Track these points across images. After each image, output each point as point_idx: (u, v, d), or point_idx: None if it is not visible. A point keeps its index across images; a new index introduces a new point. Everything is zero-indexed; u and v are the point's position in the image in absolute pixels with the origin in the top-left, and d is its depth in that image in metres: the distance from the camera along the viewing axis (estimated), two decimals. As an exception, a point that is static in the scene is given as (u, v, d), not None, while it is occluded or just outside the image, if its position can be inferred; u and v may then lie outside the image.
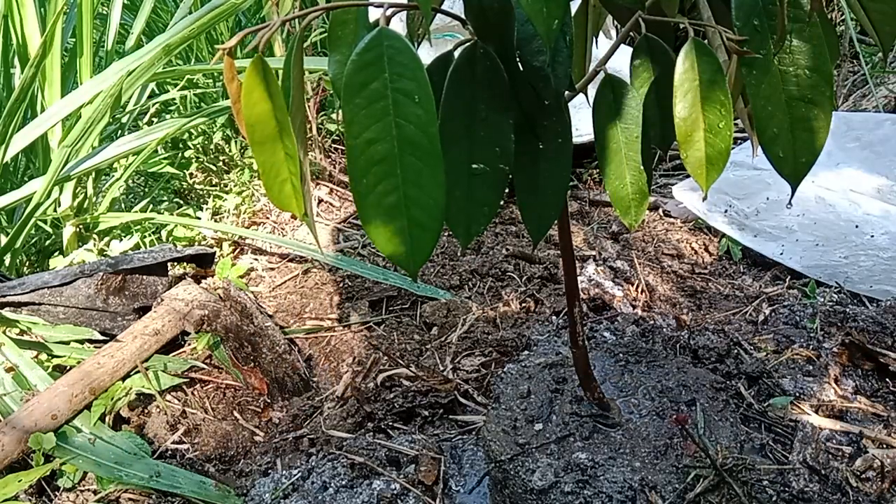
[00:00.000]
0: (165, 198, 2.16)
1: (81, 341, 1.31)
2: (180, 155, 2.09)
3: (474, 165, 0.61)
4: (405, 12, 0.69)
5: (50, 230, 1.82)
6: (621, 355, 1.04)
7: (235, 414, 1.25)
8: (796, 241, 1.58)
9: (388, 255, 0.53)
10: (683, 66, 0.58)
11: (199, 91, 2.20)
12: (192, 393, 1.25)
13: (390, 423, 1.17)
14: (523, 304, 1.48)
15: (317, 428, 1.18)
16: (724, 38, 0.57)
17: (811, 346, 1.12)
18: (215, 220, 1.87)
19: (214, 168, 2.09)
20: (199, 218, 1.85)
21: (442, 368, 1.29)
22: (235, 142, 2.11)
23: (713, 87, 0.58)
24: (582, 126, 1.37)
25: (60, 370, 1.23)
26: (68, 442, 1.09)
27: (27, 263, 1.79)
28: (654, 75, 0.65)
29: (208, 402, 1.25)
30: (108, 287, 1.39)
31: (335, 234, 1.84)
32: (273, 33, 0.52)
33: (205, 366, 1.30)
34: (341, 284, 1.58)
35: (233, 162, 2.10)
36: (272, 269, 1.69)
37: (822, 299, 1.39)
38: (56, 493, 1.04)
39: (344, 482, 1.00)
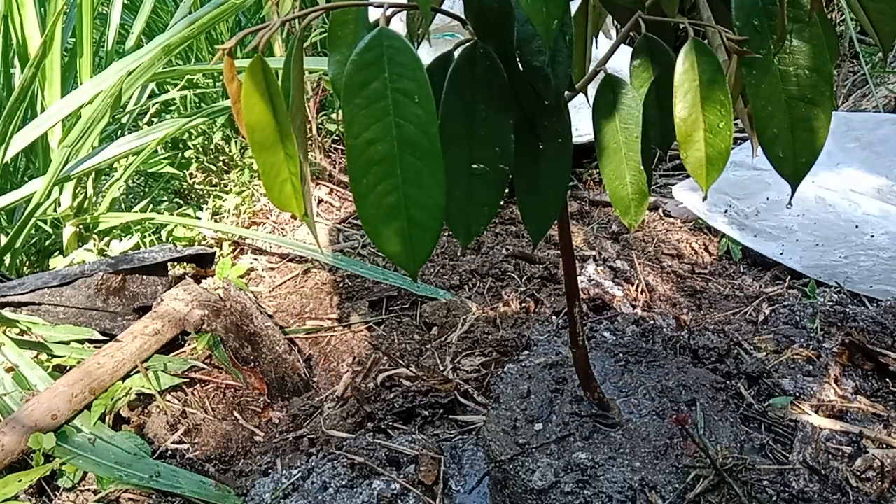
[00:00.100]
0: (165, 198, 2.16)
1: (81, 341, 1.31)
2: (180, 155, 2.09)
3: (474, 165, 0.61)
4: (405, 12, 0.69)
5: (50, 230, 1.82)
6: (621, 355, 1.04)
7: (235, 414, 1.25)
8: (796, 241, 1.58)
9: (388, 255, 0.53)
10: (683, 66, 0.58)
11: (199, 91, 2.20)
12: (192, 393, 1.25)
13: (390, 423, 1.17)
14: (523, 304, 1.48)
15: (317, 428, 1.18)
16: (724, 38, 0.57)
17: (811, 346, 1.12)
18: (215, 220, 1.87)
19: (214, 168, 2.09)
20: (199, 218, 1.85)
21: (442, 368, 1.29)
22: (235, 142, 2.11)
23: (713, 87, 0.58)
24: (582, 126, 1.36)
25: (60, 370, 1.23)
26: (68, 442, 1.09)
27: (27, 263, 1.79)
28: (654, 75, 0.65)
29: (208, 402, 1.25)
30: (108, 287, 1.39)
31: (335, 234, 1.84)
32: (273, 33, 0.52)
33: (205, 366, 1.30)
34: (341, 284, 1.58)
35: (233, 162, 2.10)
36: (272, 269, 1.69)
37: (822, 299, 1.39)
38: (56, 493, 1.04)
39: (344, 482, 1.00)
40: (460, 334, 1.38)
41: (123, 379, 1.21)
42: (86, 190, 1.73)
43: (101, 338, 1.31)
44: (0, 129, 1.52)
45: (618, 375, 1.00)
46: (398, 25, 0.54)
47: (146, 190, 2.23)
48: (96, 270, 1.38)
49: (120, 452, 1.09)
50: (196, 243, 1.76)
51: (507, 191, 0.63)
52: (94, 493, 1.04)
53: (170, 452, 1.14)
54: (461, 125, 0.60)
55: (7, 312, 1.31)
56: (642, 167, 0.66)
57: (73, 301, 1.36)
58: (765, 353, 1.13)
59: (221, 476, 1.11)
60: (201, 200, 2.04)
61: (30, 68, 1.46)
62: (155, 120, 2.14)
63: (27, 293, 1.34)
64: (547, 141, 0.64)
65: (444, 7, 0.66)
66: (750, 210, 1.68)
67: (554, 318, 1.41)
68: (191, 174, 2.08)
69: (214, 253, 1.65)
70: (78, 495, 1.04)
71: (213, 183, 2.07)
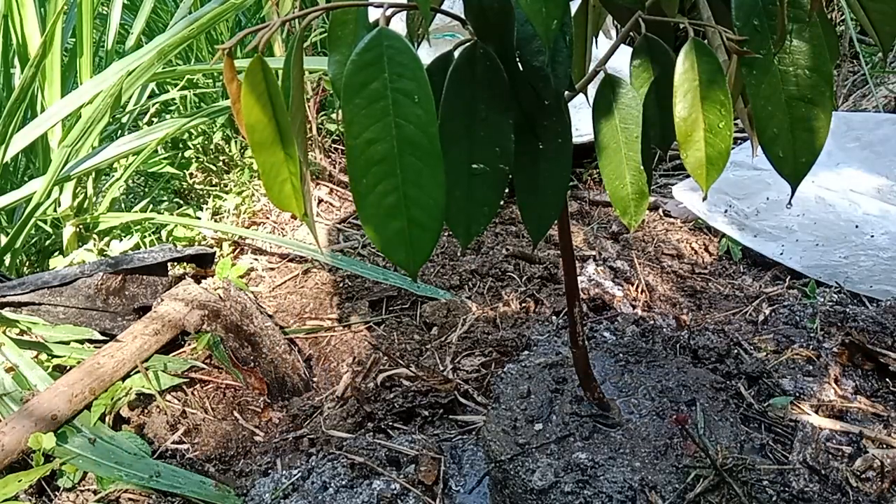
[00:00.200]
0: (165, 198, 2.16)
1: (81, 341, 1.31)
2: (180, 155, 2.09)
3: (474, 165, 0.61)
4: (405, 12, 0.69)
5: (50, 230, 1.82)
6: (621, 355, 1.04)
7: (235, 414, 1.25)
8: (796, 241, 1.58)
9: (388, 256, 0.53)
10: (683, 66, 0.59)
11: (199, 91, 2.20)
12: (192, 393, 1.25)
13: (390, 423, 1.17)
14: (523, 304, 1.48)
15: (317, 428, 1.18)
16: (724, 38, 0.57)
17: (811, 346, 1.12)
18: (215, 220, 1.87)
19: (214, 168, 2.09)
20: (199, 218, 1.85)
21: (442, 368, 1.29)
22: (235, 142, 2.11)
23: (713, 87, 0.58)
24: (582, 126, 1.36)
25: (60, 370, 1.23)
26: (68, 442, 1.09)
27: (27, 263, 1.79)
28: (654, 75, 0.65)
29: (208, 402, 1.25)
30: (108, 287, 1.39)
31: (335, 234, 1.84)
32: (273, 33, 0.52)
33: (205, 366, 1.30)
34: (341, 284, 1.58)
35: (233, 162, 2.10)
36: (272, 269, 1.69)
37: (822, 299, 1.39)
38: (56, 493, 1.04)
39: (344, 482, 1.00)
40: (460, 334, 1.38)
41: (123, 379, 1.21)
42: (86, 190, 1.73)
43: (101, 338, 1.31)
44: (0, 129, 1.52)
45: (618, 375, 1.00)
46: (398, 25, 0.54)
47: (146, 190, 2.23)
48: (96, 270, 1.38)
49: (120, 452, 1.08)
50: (196, 243, 1.76)
51: (507, 191, 0.63)
52: (94, 493, 1.04)
53: (170, 452, 1.14)
54: (461, 125, 0.60)
55: (7, 312, 1.31)
56: (642, 167, 0.66)
57: (73, 301, 1.36)
58: (765, 353, 1.13)
59: (221, 476, 1.11)
60: (201, 200, 2.04)
61: (30, 68, 1.46)
62: (155, 120, 2.14)
63: (27, 293, 1.34)
64: (547, 141, 0.64)
65: (444, 7, 0.66)
66: (750, 210, 1.68)
67: (554, 318, 1.41)
68: (191, 174, 2.09)
69: (214, 253, 1.65)
70: (78, 495, 1.04)
71: (213, 183, 2.07)
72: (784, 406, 0.99)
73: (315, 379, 1.37)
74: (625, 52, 0.68)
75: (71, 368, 1.20)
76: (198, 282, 1.44)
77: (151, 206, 2.01)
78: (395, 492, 0.97)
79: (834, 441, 0.94)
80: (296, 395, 1.32)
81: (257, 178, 2.00)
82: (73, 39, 1.79)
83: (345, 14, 0.61)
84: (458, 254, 1.67)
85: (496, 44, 0.58)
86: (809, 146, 0.58)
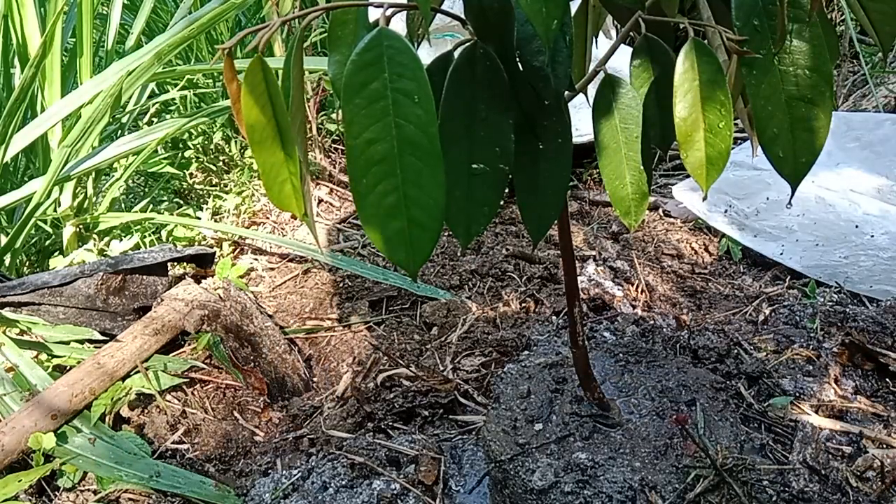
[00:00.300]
0: (165, 198, 2.16)
1: (81, 341, 1.31)
2: (180, 155, 2.09)
3: (474, 165, 0.61)
4: (405, 12, 0.69)
5: (50, 230, 1.82)
6: (621, 355, 1.04)
7: (235, 414, 1.25)
8: (796, 241, 1.58)
9: (388, 256, 0.53)
10: (683, 66, 0.59)
11: (199, 91, 2.20)
12: (192, 393, 1.25)
13: (390, 423, 1.17)
14: (523, 304, 1.48)
15: (317, 428, 1.18)
16: (724, 38, 0.57)
17: (811, 346, 1.12)
18: (215, 220, 1.87)
19: (214, 168, 2.09)
20: (199, 218, 1.85)
21: (442, 368, 1.29)
22: (235, 142, 2.11)
23: (713, 87, 0.58)
24: (582, 126, 1.36)
25: (60, 370, 1.23)
26: (68, 442, 1.09)
27: (27, 263, 1.79)
28: (654, 75, 0.65)
29: (208, 402, 1.25)
30: (108, 287, 1.39)
31: (335, 234, 1.84)
32: (273, 33, 0.52)
33: (205, 366, 1.30)
34: (341, 284, 1.58)
35: (233, 162, 2.10)
36: (272, 269, 1.69)
37: (822, 299, 1.39)
38: (56, 493, 1.04)
39: (344, 482, 1.00)
40: (460, 334, 1.38)
41: (123, 379, 1.21)
42: (86, 190, 1.73)
43: (101, 338, 1.31)
44: (0, 129, 1.52)
45: (618, 375, 1.00)
46: (398, 25, 0.54)
47: (146, 190, 2.23)
48: (96, 270, 1.38)
49: (120, 452, 1.08)
50: (196, 243, 1.76)
51: (507, 191, 0.63)
52: (94, 493, 1.04)
53: (170, 452, 1.14)
54: (461, 125, 0.60)
55: (7, 312, 1.31)
56: (642, 167, 0.66)
57: (73, 301, 1.36)
58: (765, 353, 1.13)
59: (221, 476, 1.11)
60: (201, 200, 2.04)
61: (30, 68, 1.46)
62: (155, 120, 2.14)
63: (27, 293, 1.34)
64: (547, 141, 0.64)
65: (444, 7, 0.66)
66: (750, 210, 1.68)
67: (554, 318, 1.41)
68: (191, 174, 2.09)
69: (214, 253, 1.65)
70: (78, 495, 1.04)
71: (213, 183, 2.07)
72: (784, 406, 0.99)
73: (315, 379, 1.37)
74: (625, 52, 0.68)
75: (71, 368, 1.20)
76: (198, 282, 1.44)
77: (151, 206, 2.01)
78: (395, 492, 0.97)
79: (834, 441, 0.94)
80: (296, 395, 1.32)
81: (257, 178, 2.00)
82: (73, 39, 1.79)
83: (345, 14, 0.61)
84: (458, 254, 1.67)
85: (496, 44, 0.58)
86: (809, 146, 0.58)
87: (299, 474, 1.03)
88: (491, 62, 0.58)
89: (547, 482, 0.83)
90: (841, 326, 1.17)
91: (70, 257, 1.59)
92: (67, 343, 1.29)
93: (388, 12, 0.52)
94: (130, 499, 1.04)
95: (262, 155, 0.53)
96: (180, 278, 1.49)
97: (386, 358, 1.33)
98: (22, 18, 1.64)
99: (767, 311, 1.31)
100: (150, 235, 1.78)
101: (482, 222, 0.63)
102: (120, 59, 1.65)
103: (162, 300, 1.36)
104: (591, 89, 0.68)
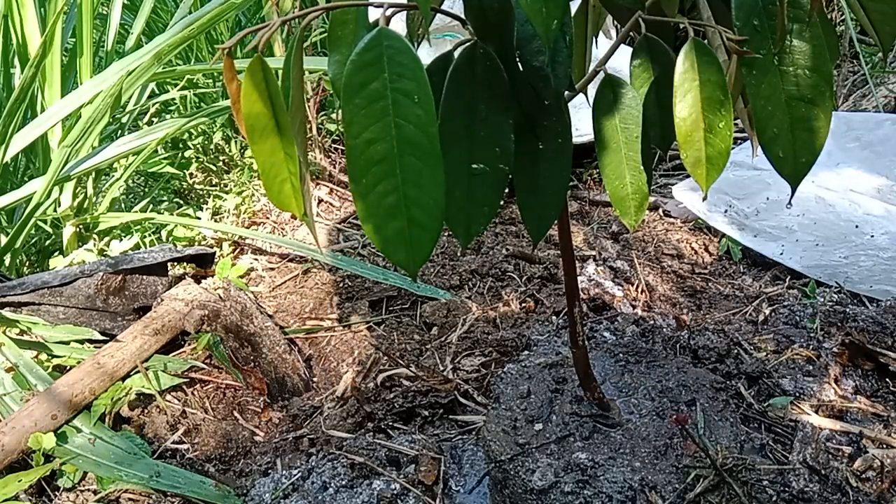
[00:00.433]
0: (165, 198, 2.16)
1: (81, 341, 1.31)
2: (180, 155, 2.09)
3: (474, 165, 0.61)
4: (405, 12, 0.69)
5: (50, 230, 1.82)
6: (621, 355, 1.04)
7: (235, 414, 1.25)
8: (796, 241, 1.58)
9: (388, 256, 0.53)
10: (683, 66, 0.59)
11: (199, 91, 2.20)
12: (192, 393, 1.25)
13: (390, 423, 1.17)
14: (523, 304, 1.48)
15: (317, 428, 1.18)
16: (724, 38, 0.57)
17: (811, 346, 1.12)
18: (215, 220, 1.87)
19: (214, 168, 2.09)
20: (199, 218, 1.85)
21: (442, 368, 1.29)
22: (235, 142, 2.11)
23: (713, 87, 0.58)
24: (582, 126, 1.36)
25: (60, 370, 1.23)
26: (68, 442, 1.09)
27: (27, 263, 1.79)
28: (654, 75, 0.65)
29: (208, 402, 1.25)
30: (108, 287, 1.39)
31: (335, 234, 1.84)
32: (273, 33, 0.52)
33: (205, 366, 1.30)
34: (341, 284, 1.58)
35: (233, 162, 2.10)
36: (272, 269, 1.69)
37: (822, 299, 1.39)
38: (56, 493, 1.04)
39: (344, 482, 1.00)
40: (460, 334, 1.38)
41: (123, 379, 1.21)
42: (86, 190, 1.73)
43: (101, 338, 1.31)
44: (0, 129, 1.52)
45: (618, 375, 1.00)
46: (398, 25, 0.54)
47: (146, 190, 2.23)
48: (96, 270, 1.38)
49: (120, 452, 1.08)
50: (196, 243, 1.76)
51: (507, 191, 0.63)
52: (94, 493, 1.04)
53: (170, 452, 1.14)
54: (461, 125, 0.60)
55: (7, 312, 1.31)
56: (642, 167, 0.66)
57: (73, 301, 1.36)
58: (765, 353, 1.13)
59: (221, 476, 1.11)
60: (201, 200, 2.04)
61: (30, 68, 1.46)
62: (155, 120, 2.14)
63: (27, 293, 1.34)
64: (547, 141, 0.64)
65: (444, 7, 0.66)
66: (750, 210, 1.68)
67: (554, 318, 1.41)
68: (191, 174, 2.09)
69: (214, 253, 1.65)
70: (78, 495, 1.04)
71: (213, 183, 2.07)
72: (784, 406, 0.99)
73: (315, 379, 1.37)
74: (625, 52, 0.68)
75: (71, 368, 1.20)
76: (198, 282, 1.44)
77: (151, 206, 2.01)
78: (395, 492, 0.97)
79: (834, 441, 0.94)
80: (296, 395, 1.32)
81: (257, 178, 2.00)
82: (73, 39, 1.79)
83: (345, 14, 0.61)
84: (458, 254, 1.67)
85: (496, 44, 0.58)
86: (809, 146, 0.58)
87: (299, 474, 1.03)
88: (491, 62, 0.58)
89: (547, 482, 0.83)
90: (841, 326, 1.17)
91: (70, 257, 1.59)
92: (67, 343, 1.29)
93: (388, 12, 0.52)
94: (130, 499, 1.04)
95: (261, 155, 0.53)
96: (180, 278, 1.49)
97: (386, 358, 1.33)
98: (22, 18, 1.64)
99: (767, 311, 1.31)
100: (150, 235, 1.78)
101: (482, 222, 0.63)
102: (120, 59, 1.65)
103: (162, 300, 1.36)
104: (591, 89, 0.68)
